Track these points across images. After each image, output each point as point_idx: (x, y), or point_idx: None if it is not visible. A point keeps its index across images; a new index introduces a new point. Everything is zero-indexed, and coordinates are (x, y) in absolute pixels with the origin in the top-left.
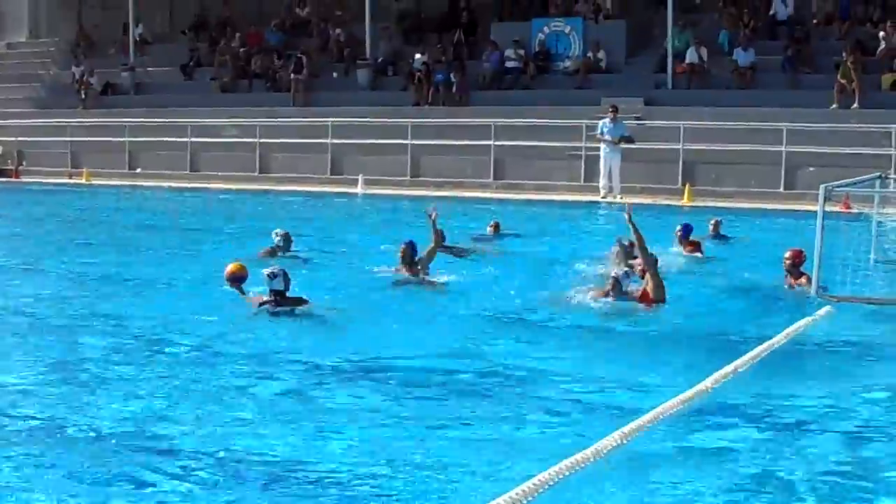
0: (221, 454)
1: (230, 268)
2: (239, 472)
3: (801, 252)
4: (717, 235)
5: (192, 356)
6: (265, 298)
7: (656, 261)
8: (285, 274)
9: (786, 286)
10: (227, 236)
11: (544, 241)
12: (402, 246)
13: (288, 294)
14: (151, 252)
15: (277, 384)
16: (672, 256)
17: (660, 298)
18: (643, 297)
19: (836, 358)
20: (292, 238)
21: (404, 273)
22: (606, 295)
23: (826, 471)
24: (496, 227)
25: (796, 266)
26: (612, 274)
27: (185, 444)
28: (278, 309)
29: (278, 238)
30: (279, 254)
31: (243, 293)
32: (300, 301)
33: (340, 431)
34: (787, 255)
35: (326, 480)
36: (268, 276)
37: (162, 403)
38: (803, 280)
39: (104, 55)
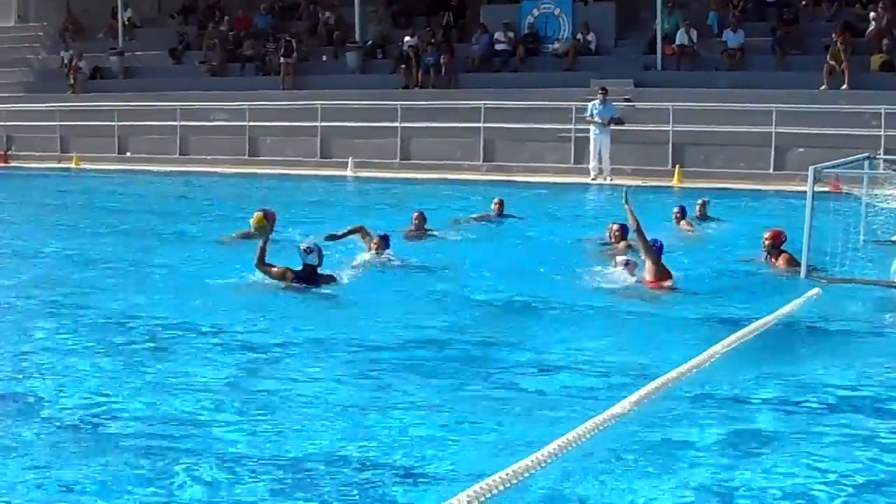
0: (219, 441)
1: (260, 215)
2: (235, 459)
3: (780, 232)
4: (704, 216)
5: (186, 341)
6: (295, 270)
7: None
8: (320, 250)
9: (768, 266)
10: (211, 219)
11: (544, 222)
12: (377, 238)
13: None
14: (137, 236)
15: (275, 368)
16: (668, 236)
17: (661, 278)
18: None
19: (826, 338)
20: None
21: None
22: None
23: (817, 450)
24: (500, 204)
25: (776, 246)
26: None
27: (181, 431)
28: (305, 286)
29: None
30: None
31: (265, 242)
32: (330, 278)
33: (322, 416)
34: (766, 235)
35: (311, 465)
36: (304, 250)
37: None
38: (780, 261)
39: (93, 39)
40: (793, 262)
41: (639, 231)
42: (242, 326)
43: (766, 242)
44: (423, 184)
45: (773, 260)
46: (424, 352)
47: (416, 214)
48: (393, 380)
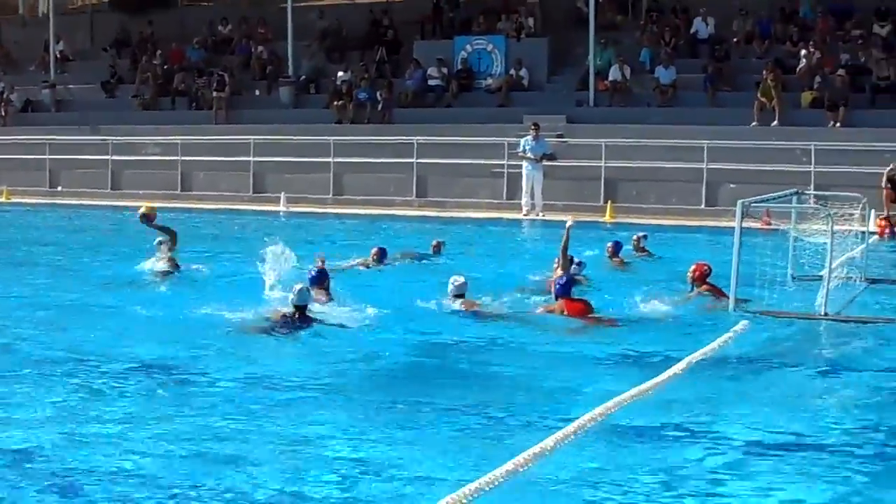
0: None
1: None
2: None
3: (703, 265)
4: (640, 250)
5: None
6: (286, 312)
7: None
8: (310, 291)
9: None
10: (128, 252)
11: (479, 259)
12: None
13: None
14: (66, 271)
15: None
16: (600, 270)
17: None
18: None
19: (754, 371)
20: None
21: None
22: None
23: (742, 482)
24: (438, 246)
25: (701, 279)
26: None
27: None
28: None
29: (163, 246)
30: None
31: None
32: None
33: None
34: (691, 269)
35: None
36: (305, 290)
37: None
38: (701, 292)
39: (24, 72)
40: (714, 293)
41: (564, 251)
42: (175, 361)
43: (691, 276)
44: (355, 219)
45: (698, 293)
46: (359, 389)
47: (375, 250)
48: (324, 414)
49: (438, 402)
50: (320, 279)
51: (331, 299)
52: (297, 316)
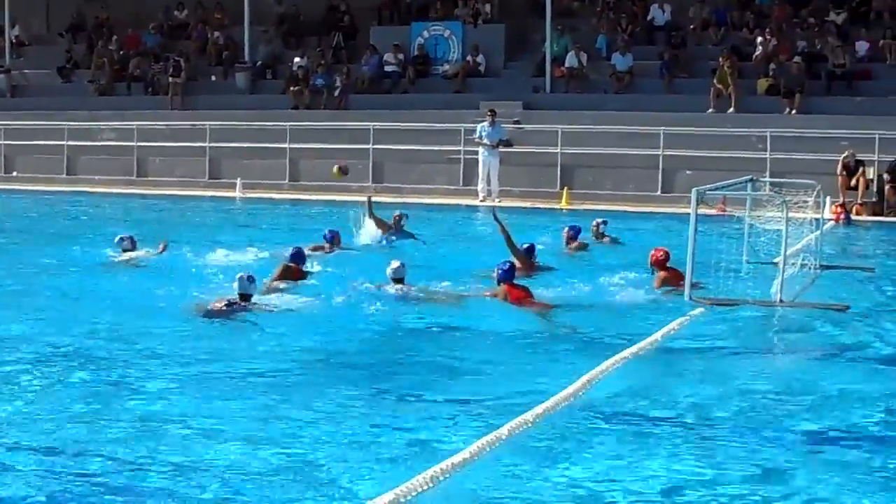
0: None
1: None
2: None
3: (659, 250)
4: (600, 235)
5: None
6: (232, 300)
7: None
8: (253, 281)
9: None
10: (83, 241)
11: (436, 245)
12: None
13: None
14: (21, 257)
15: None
16: (557, 256)
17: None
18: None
19: (708, 358)
20: (136, 241)
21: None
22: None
23: (693, 469)
24: (399, 218)
25: (659, 265)
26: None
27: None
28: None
29: (125, 243)
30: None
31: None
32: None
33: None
34: (651, 254)
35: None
36: (246, 278)
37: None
38: (659, 279)
39: None
40: (671, 281)
41: (507, 239)
42: (114, 349)
43: (650, 262)
44: (311, 205)
45: (658, 279)
46: (315, 375)
47: (328, 235)
48: (254, 402)
49: (370, 390)
50: (295, 257)
51: (301, 277)
52: (241, 304)
